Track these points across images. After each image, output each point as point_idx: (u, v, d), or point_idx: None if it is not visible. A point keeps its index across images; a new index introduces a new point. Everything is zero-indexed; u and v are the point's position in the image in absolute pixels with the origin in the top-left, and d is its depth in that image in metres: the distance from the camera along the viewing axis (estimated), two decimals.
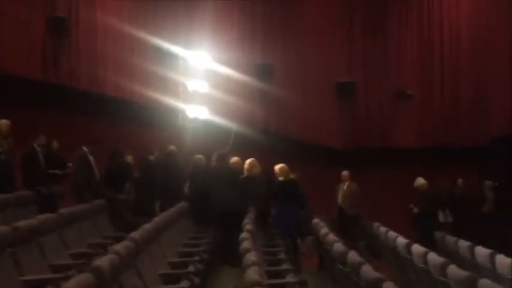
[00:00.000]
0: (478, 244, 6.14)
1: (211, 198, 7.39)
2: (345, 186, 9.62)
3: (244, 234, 4.89)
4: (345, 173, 9.67)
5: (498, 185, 10.26)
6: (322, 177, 11.00)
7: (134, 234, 4.31)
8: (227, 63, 10.72)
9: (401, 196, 11.01)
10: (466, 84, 11.75)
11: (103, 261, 3.24)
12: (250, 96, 11.21)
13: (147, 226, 4.90)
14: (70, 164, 7.84)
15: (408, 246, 5.70)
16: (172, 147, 8.49)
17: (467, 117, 11.63)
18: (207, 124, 10.02)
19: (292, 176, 8.03)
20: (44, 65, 10.03)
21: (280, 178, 7.67)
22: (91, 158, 7.54)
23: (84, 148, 7.51)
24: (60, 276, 3.95)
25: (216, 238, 7.06)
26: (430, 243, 7.26)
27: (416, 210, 8.53)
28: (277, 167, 7.72)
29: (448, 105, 11.76)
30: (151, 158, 8.30)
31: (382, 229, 7.06)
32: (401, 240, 6.00)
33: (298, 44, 11.72)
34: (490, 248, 5.81)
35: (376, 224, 7.56)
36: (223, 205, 7.26)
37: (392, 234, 6.55)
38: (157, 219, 5.24)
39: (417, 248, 5.45)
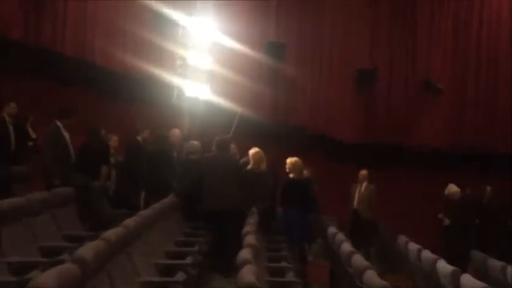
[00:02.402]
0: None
1: (206, 193, 6.10)
2: (362, 188, 8.36)
3: (244, 253, 3.60)
4: (363, 172, 8.43)
5: None
6: (331, 175, 9.78)
7: (97, 243, 3.03)
8: (235, 37, 9.38)
9: (420, 203, 9.87)
10: (505, 82, 10.41)
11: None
12: (258, 77, 9.91)
13: (117, 230, 3.60)
14: (34, 137, 6.54)
15: (455, 277, 4.42)
16: (175, 130, 7.20)
17: (504, 119, 10.32)
18: (207, 105, 8.71)
19: (305, 172, 6.82)
20: (25, 26, 8.70)
21: (291, 175, 6.48)
22: (66, 133, 6.08)
23: (57, 122, 6.04)
24: None
25: (209, 243, 5.82)
26: (462, 262, 6.10)
27: (447, 221, 7.30)
28: (289, 161, 6.50)
29: (483, 104, 10.45)
30: (139, 139, 7.03)
31: (413, 247, 5.78)
32: (444, 267, 4.72)
33: (316, 23, 10.39)
34: None
35: (402, 239, 6.29)
36: (220, 202, 5.98)
37: (428, 255, 5.28)
38: (130, 222, 3.93)
39: (470, 282, 4.17)
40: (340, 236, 5.26)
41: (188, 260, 4.42)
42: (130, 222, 3.86)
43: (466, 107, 10.54)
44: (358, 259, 4.08)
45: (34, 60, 8.62)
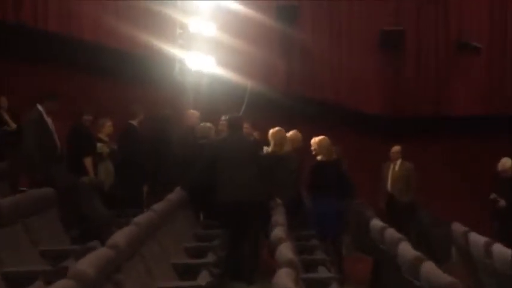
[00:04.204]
0: None
1: (220, 183, 5.07)
2: (396, 166, 7.27)
3: (284, 277, 2.55)
4: (395, 148, 7.32)
5: None
6: (358, 152, 8.72)
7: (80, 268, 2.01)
8: (241, 1, 8.26)
9: (461, 179, 8.82)
10: None
11: None
12: (269, 45, 8.81)
13: (102, 252, 2.56)
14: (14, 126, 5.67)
15: None
16: (191, 111, 6.37)
17: None
18: (212, 79, 7.65)
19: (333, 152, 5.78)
20: (1, 2, 7.63)
21: (319, 157, 5.47)
22: (49, 120, 5.21)
23: (39, 106, 5.15)
24: None
25: (227, 244, 4.84)
26: None
27: (502, 202, 6.23)
28: (314, 140, 5.53)
29: None
30: (135, 123, 6.01)
31: (476, 238, 4.71)
32: None
33: None
34: None
35: (458, 228, 5.22)
36: (237, 192, 4.98)
37: (501, 250, 4.22)
38: (120, 237, 2.88)
39: None
40: (392, 231, 4.21)
41: (201, 279, 3.38)
42: (119, 237, 2.81)
43: (505, 68, 9.39)
44: (433, 270, 3.02)
45: (13, 39, 7.57)
